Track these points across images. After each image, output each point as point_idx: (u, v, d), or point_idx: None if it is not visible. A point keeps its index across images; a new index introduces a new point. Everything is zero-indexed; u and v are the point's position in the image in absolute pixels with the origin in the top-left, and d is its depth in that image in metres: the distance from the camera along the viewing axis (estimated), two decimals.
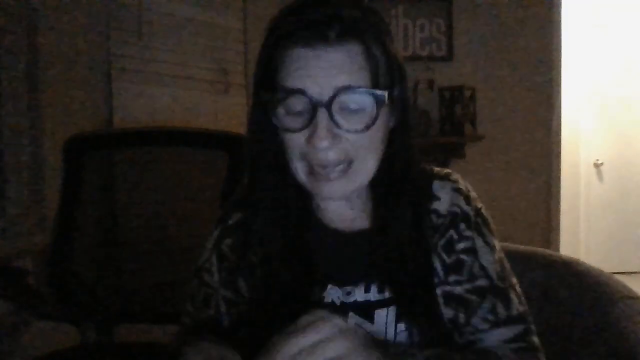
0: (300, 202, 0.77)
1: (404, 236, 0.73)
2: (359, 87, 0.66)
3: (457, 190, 0.77)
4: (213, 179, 1.54)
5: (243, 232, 0.78)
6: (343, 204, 0.77)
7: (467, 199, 0.77)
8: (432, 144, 3.02)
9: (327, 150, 0.67)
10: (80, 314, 1.54)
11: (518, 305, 0.74)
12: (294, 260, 0.74)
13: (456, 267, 0.74)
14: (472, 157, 3.11)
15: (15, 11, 1.71)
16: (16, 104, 1.73)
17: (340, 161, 0.69)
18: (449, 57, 3.18)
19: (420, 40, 3.17)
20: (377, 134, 0.71)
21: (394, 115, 0.73)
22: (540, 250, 1.15)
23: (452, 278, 0.73)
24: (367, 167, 0.71)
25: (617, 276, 1.03)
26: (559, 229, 3.33)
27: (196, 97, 2.55)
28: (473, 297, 0.73)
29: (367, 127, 0.68)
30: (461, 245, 0.74)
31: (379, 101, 0.67)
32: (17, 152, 1.74)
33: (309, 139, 0.67)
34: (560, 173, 3.30)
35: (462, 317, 0.73)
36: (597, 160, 4.44)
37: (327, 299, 0.73)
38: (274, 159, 0.74)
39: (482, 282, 0.74)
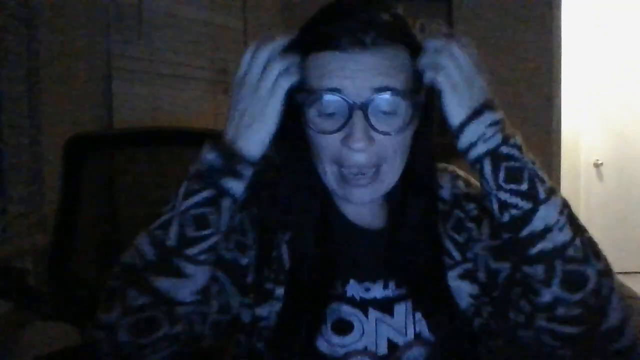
0: (324, 196, 0.77)
1: (415, 233, 0.75)
2: (396, 89, 0.67)
3: (456, 177, 0.82)
4: None
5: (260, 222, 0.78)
6: (364, 206, 0.78)
7: (466, 181, 0.81)
8: None
9: (361, 153, 0.68)
10: (80, 314, 1.54)
11: None
12: (318, 252, 0.74)
13: (470, 242, 0.77)
14: None
15: (15, 11, 1.71)
16: (16, 104, 1.73)
17: (372, 165, 0.69)
18: None
19: (420, 40, 3.17)
20: (407, 137, 0.72)
21: (418, 117, 0.74)
22: None
23: (469, 255, 0.76)
24: (395, 170, 0.72)
25: (617, 276, 1.03)
26: None
27: (196, 97, 2.55)
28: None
29: (401, 130, 0.69)
30: (470, 224, 0.78)
31: (412, 104, 0.69)
32: (17, 152, 1.74)
33: (345, 141, 0.68)
34: (560, 173, 3.30)
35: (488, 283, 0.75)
36: (597, 160, 4.44)
37: (349, 293, 0.75)
38: (300, 161, 0.75)
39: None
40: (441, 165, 0.83)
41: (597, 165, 4.45)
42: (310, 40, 0.69)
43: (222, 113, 2.65)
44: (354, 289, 0.75)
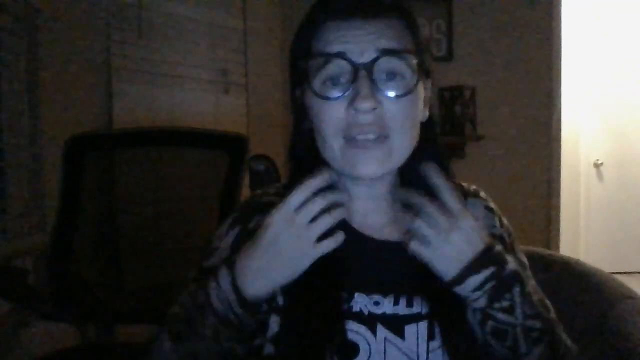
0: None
1: None
2: (399, 50, 0.68)
3: (490, 209, 0.79)
4: (213, 179, 1.54)
5: None
6: (371, 205, 0.75)
7: (500, 219, 0.79)
8: None
9: (368, 115, 0.67)
10: (80, 314, 1.54)
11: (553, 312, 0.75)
12: (322, 264, 0.68)
13: None
14: (472, 157, 3.11)
15: (15, 11, 1.71)
16: (16, 104, 1.73)
17: (378, 130, 0.68)
18: (449, 57, 3.18)
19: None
20: (414, 109, 0.70)
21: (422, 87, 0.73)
22: (540, 250, 1.15)
23: (497, 305, 0.68)
24: (402, 144, 0.70)
25: (617, 276, 1.03)
26: (559, 229, 3.33)
27: (196, 97, 2.55)
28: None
29: (406, 93, 0.68)
30: None
31: (418, 69, 0.69)
32: (17, 152, 1.74)
33: (351, 102, 0.67)
34: (560, 173, 3.30)
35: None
36: (597, 160, 4.44)
37: (355, 308, 0.69)
38: (307, 156, 0.75)
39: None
40: (472, 187, 0.80)
41: (597, 165, 4.45)
42: (316, 14, 0.71)
43: (222, 113, 2.65)
44: (360, 301, 0.70)
